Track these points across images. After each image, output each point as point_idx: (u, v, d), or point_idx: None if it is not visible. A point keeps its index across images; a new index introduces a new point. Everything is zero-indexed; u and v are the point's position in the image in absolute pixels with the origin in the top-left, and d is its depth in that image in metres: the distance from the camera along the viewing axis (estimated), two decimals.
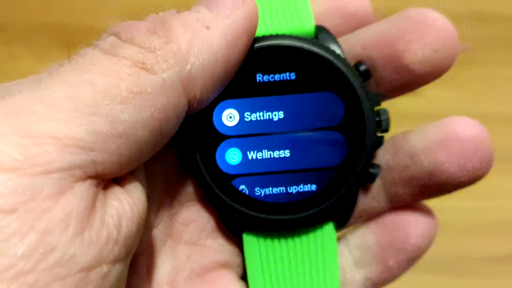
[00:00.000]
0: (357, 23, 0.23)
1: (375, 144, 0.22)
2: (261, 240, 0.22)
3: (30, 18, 0.51)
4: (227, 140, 0.21)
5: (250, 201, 0.21)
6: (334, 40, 0.22)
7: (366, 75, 0.22)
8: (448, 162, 0.21)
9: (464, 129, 0.22)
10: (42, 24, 0.51)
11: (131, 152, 0.17)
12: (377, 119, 0.22)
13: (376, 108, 0.22)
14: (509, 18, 0.54)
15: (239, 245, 0.23)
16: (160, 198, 0.22)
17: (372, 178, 0.22)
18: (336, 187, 0.21)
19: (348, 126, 0.21)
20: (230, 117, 0.21)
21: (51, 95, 0.16)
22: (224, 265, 0.23)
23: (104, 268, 0.16)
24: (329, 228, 0.23)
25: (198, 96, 0.19)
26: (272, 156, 0.21)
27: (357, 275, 0.24)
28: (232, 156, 0.21)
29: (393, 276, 0.24)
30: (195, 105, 0.19)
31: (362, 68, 0.22)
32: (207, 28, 0.18)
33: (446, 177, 0.22)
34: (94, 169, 0.16)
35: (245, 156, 0.21)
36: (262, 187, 0.21)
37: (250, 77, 0.21)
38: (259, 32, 0.21)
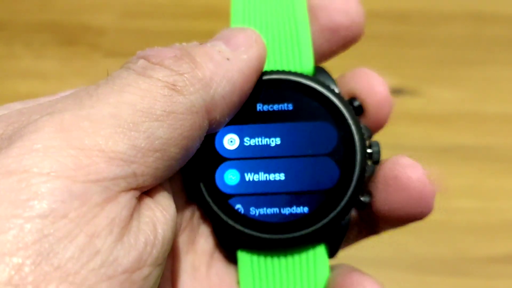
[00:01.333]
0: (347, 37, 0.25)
1: (366, 173, 0.23)
2: (255, 258, 0.24)
3: (29, 16, 0.51)
4: (227, 162, 0.23)
5: (245, 219, 0.23)
6: (331, 78, 0.24)
7: (359, 109, 0.24)
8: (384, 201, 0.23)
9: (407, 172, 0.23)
10: (41, 22, 0.51)
11: (164, 167, 0.19)
12: (369, 150, 0.23)
13: (368, 140, 0.23)
14: (509, 18, 0.54)
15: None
16: (182, 209, 0.24)
17: (362, 205, 0.23)
18: (327, 209, 0.23)
19: (340, 154, 0.23)
20: (231, 141, 0.23)
21: (96, 113, 0.18)
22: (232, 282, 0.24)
23: (145, 270, 0.18)
24: (321, 250, 0.23)
25: (217, 119, 0.21)
26: (268, 179, 0.23)
27: None
28: (230, 177, 0.23)
29: None
30: (214, 127, 0.21)
31: (356, 103, 0.24)
32: (228, 59, 0.21)
33: (379, 214, 0.24)
34: (135, 180, 0.18)
35: (242, 177, 0.23)
36: (257, 207, 0.23)
37: (251, 106, 0.23)
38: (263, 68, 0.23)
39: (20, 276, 0.15)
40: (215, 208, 0.23)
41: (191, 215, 0.24)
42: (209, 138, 0.23)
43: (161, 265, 0.19)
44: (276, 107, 0.23)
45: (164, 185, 0.21)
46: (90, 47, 0.50)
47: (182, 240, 0.24)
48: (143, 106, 0.18)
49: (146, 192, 0.20)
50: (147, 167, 0.18)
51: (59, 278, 0.16)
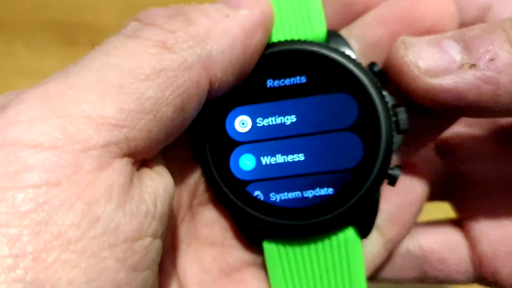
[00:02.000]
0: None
1: (393, 145, 0.21)
2: (282, 248, 0.22)
3: (29, 15, 0.51)
4: (241, 146, 0.21)
5: (266, 207, 0.21)
6: (346, 43, 0.22)
7: (380, 75, 0.22)
8: None
9: None
10: (41, 21, 0.51)
11: (158, 129, 0.18)
12: (394, 118, 0.21)
13: (393, 107, 0.21)
14: None
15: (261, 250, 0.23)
16: (178, 198, 0.23)
17: (392, 180, 0.22)
18: (354, 189, 0.21)
19: (363, 127, 0.21)
20: (243, 123, 0.21)
21: (81, 80, 0.17)
22: (252, 264, 0.23)
23: (147, 240, 0.17)
24: (351, 234, 0.22)
25: (218, 76, 0.19)
26: (286, 161, 0.21)
27: (378, 241, 0.24)
28: (245, 162, 0.21)
29: (408, 230, 0.25)
30: (216, 85, 0.20)
31: (376, 68, 0.22)
32: (226, 16, 0.20)
33: None
34: (127, 145, 0.17)
35: (258, 161, 0.21)
36: (277, 192, 0.21)
37: (260, 83, 0.21)
38: (271, 39, 0.21)
39: (20, 247, 0.15)
40: (232, 197, 0.21)
41: (193, 192, 0.23)
42: (219, 122, 0.21)
43: (161, 238, 0.18)
44: (288, 81, 0.21)
45: (159, 159, 0.20)
46: (91, 46, 0.50)
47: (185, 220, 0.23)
48: (130, 67, 0.17)
49: (145, 164, 0.19)
50: (138, 130, 0.17)
51: (60, 246, 0.15)
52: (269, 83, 0.21)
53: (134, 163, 0.18)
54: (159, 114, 0.18)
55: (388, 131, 0.21)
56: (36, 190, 0.15)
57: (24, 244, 0.15)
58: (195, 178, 0.23)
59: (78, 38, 0.50)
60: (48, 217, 0.15)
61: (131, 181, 0.17)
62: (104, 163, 0.17)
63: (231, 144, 0.21)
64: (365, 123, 0.21)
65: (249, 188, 0.21)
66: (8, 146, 0.16)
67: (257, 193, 0.21)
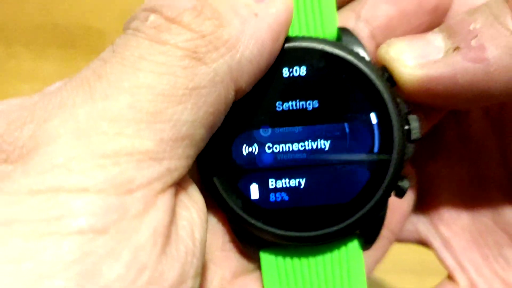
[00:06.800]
0: None
1: (404, 155, 0.20)
2: (280, 259, 0.21)
3: (29, 18, 0.51)
4: (250, 174, 0.20)
5: (269, 215, 0.20)
6: (359, 42, 0.21)
7: (392, 79, 0.20)
8: None
9: None
10: (41, 24, 0.51)
11: (195, 153, 0.17)
12: (406, 127, 0.20)
13: (405, 115, 0.20)
14: None
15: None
16: None
17: (400, 192, 0.21)
18: (362, 201, 0.20)
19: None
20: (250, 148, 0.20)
21: (112, 107, 0.15)
22: (254, 269, 0.22)
23: (189, 283, 0.16)
24: (354, 246, 0.21)
25: (243, 87, 0.18)
26: (291, 182, 0.20)
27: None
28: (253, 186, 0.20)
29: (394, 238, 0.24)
30: (238, 96, 0.18)
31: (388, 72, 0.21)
32: (255, 15, 0.17)
33: None
34: (171, 178, 0.16)
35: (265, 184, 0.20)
36: (282, 200, 0.20)
37: (270, 105, 0.20)
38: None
39: None
40: (233, 205, 0.20)
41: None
42: (226, 147, 0.20)
43: (201, 274, 0.17)
44: (299, 105, 0.20)
45: (186, 175, 0.18)
46: (91, 49, 0.50)
47: None
48: (163, 88, 0.15)
49: (179, 185, 0.17)
50: (178, 159, 0.16)
51: None
52: (279, 106, 0.20)
53: (175, 193, 0.17)
54: (195, 138, 0.16)
55: (400, 141, 0.20)
56: (82, 237, 0.14)
57: None
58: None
59: (78, 41, 0.50)
60: (94, 269, 0.14)
61: (174, 218, 0.16)
62: (148, 203, 0.15)
63: (239, 171, 0.20)
64: (378, 133, 0.20)
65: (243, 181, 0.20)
66: (47, 192, 0.14)
67: (259, 201, 0.20)
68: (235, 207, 0.20)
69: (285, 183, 0.20)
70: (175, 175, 0.16)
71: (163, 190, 0.16)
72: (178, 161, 0.16)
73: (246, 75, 0.17)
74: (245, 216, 0.20)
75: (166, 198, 0.16)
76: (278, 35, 0.18)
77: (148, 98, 0.15)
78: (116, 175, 0.15)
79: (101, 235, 0.14)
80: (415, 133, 0.20)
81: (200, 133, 0.16)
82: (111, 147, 0.15)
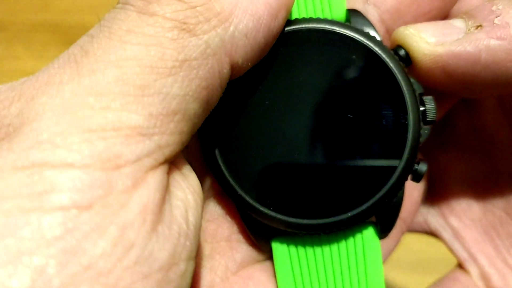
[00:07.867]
0: None
1: (421, 137, 0.19)
2: (292, 248, 0.20)
3: (29, 17, 0.51)
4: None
5: (280, 204, 0.19)
6: (369, 23, 0.20)
7: (406, 60, 0.20)
8: None
9: None
10: (41, 22, 0.51)
11: (188, 129, 0.16)
12: (422, 108, 0.19)
13: (420, 96, 0.20)
14: None
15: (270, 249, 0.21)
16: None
17: (417, 176, 0.20)
18: (377, 186, 0.19)
19: (388, 118, 0.19)
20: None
21: (99, 82, 0.15)
22: (260, 259, 0.22)
23: (181, 266, 0.15)
24: (370, 233, 0.20)
25: (239, 63, 0.17)
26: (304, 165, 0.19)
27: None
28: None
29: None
30: (234, 73, 0.17)
31: (402, 52, 0.20)
32: None
33: None
34: (162, 154, 0.15)
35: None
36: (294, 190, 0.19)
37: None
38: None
39: (44, 280, 0.13)
40: (243, 194, 0.19)
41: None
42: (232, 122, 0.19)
43: (195, 259, 0.16)
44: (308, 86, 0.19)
45: (181, 155, 0.18)
46: None
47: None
48: (151, 60, 0.15)
49: (173, 164, 0.17)
50: (170, 134, 0.15)
51: (90, 279, 0.13)
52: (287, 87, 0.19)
53: (168, 171, 0.16)
54: (188, 112, 0.16)
55: (416, 123, 0.19)
56: (65, 213, 0.13)
57: (49, 277, 0.13)
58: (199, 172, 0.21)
59: (77, 39, 0.50)
60: (78, 246, 0.13)
61: (165, 195, 0.16)
62: (138, 180, 0.15)
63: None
64: (391, 114, 0.19)
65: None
66: (31, 167, 0.14)
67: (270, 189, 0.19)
68: (244, 195, 0.19)
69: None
70: (167, 152, 0.15)
71: (154, 167, 0.15)
72: (170, 136, 0.15)
73: (242, 50, 0.17)
74: (255, 204, 0.19)
75: (157, 175, 0.15)
76: (276, 11, 0.17)
77: (135, 70, 0.15)
78: (102, 150, 0.14)
79: (86, 210, 0.14)
80: (431, 115, 0.19)
81: (193, 107, 0.16)
82: (97, 122, 0.14)
